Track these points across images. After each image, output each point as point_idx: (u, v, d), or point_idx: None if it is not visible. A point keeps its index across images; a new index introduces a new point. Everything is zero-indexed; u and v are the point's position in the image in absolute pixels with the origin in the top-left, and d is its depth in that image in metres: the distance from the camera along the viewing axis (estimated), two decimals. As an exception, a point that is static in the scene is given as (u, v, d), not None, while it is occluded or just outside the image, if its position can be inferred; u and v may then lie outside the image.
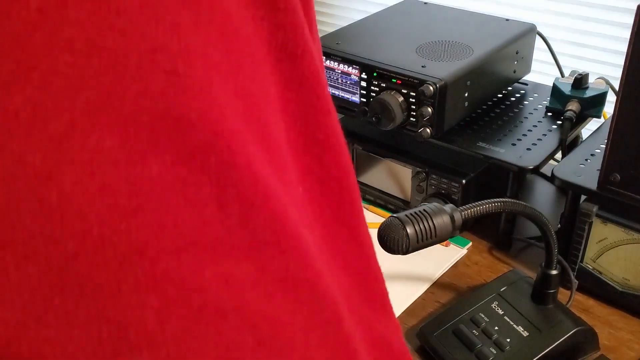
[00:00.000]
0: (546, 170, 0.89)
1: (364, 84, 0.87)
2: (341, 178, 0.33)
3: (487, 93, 0.93)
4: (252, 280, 0.24)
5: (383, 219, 0.63)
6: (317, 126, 0.30)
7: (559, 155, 0.88)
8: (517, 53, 0.94)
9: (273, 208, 0.25)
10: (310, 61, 0.28)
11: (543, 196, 1.02)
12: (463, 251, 0.89)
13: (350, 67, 0.88)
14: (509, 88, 1.00)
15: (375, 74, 0.85)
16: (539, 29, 0.97)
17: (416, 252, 0.62)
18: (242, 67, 0.25)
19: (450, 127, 0.86)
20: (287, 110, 0.28)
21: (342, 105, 0.92)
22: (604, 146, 0.71)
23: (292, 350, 0.26)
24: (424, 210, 0.62)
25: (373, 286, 0.38)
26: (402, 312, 0.79)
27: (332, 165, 0.32)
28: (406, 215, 0.61)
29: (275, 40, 0.26)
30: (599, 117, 0.90)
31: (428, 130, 0.83)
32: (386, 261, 0.79)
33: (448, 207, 0.63)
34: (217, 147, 0.22)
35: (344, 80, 0.90)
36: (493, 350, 0.68)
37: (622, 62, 0.65)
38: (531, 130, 0.89)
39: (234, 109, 0.24)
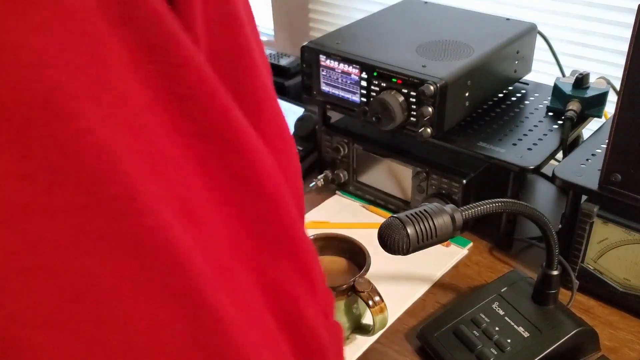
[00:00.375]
0: (547, 170, 0.89)
1: (364, 83, 0.87)
2: (218, 129, 0.34)
3: (488, 93, 0.92)
4: (67, 240, 0.27)
5: (383, 219, 0.63)
6: (176, 82, 0.32)
7: (559, 155, 0.88)
8: (517, 52, 0.94)
9: (95, 169, 0.27)
10: (157, 23, 0.30)
11: (544, 196, 1.01)
12: (464, 251, 0.89)
13: (351, 67, 0.88)
14: (510, 88, 1.00)
15: (375, 74, 0.85)
16: (539, 28, 0.97)
17: (417, 252, 0.61)
18: (69, 33, 0.27)
19: (450, 127, 0.86)
20: (139, 71, 0.30)
21: (342, 105, 0.92)
22: (605, 146, 0.71)
23: (116, 301, 0.29)
24: (425, 210, 0.62)
25: (277, 233, 0.40)
26: (403, 313, 0.79)
27: (204, 117, 0.34)
28: (407, 216, 0.61)
29: (106, 6, 0.28)
30: (599, 116, 0.90)
31: (428, 130, 0.83)
32: (386, 261, 0.79)
33: (449, 207, 0.63)
34: (33, 124, 0.25)
35: (344, 80, 0.89)
36: (494, 351, 0.68)
37: (623, 62, 0.65)
38: (532, 130, 0.89)
39: (59, 76, 0.26)
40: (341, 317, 0.71)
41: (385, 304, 0.68)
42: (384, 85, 0.85)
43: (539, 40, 0.98)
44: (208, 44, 0.36)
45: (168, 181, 0.31)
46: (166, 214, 0.31)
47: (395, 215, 0.62)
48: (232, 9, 0.39)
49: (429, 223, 0.61)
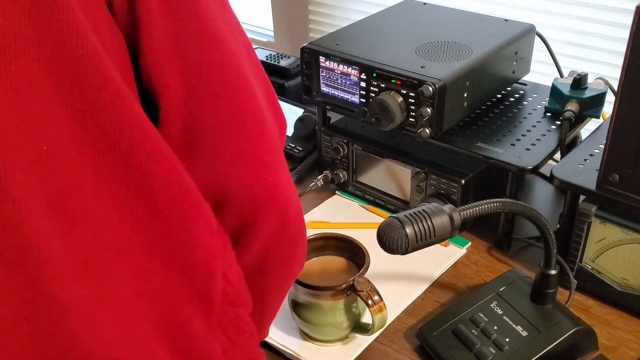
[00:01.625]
0: (545, 170, 0.89)
1: (363, 84, 0.88)
2: (112, 142, 0.38)
3: (486, 93, 0.93)
4: None
5: (382, 219, 0.64)
6: (76, 94, 0.36)
7: (558, 156, 0.88)
8: (516, 53, 0.94)
9: None
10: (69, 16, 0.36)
11: (542, 196, 1.02)
12: (462, 251, 0.89)
13: (350, 68, 0.88)
14: (508, 88, 1.01)
15: (374, 75, 0.86)
16: (537, 29, 0.97)
17: (415, 252, 0.62)
18: None
19: (449, 128, 0.86)
20: (43, 70, 0.35)
21: (341, 105, 0.92)
22: (603, 146, 0.71)
23: None
24: (423, 210, 0.62)
25: (171, 247, 0.42)
26: (402, 312, 0.79)
27: (100, 130, 0.38)
28: (405, 216, 0.61)
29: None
30: (597, 117, 0.90)
31: (427, 130, 0.83)
32: (386, 261, 0.79)
33: (447, 207, 0.63)
34: None
35: (343, 81, 0.90)
36: (492, 350, 0.68)
37: (621, 63, 0.65)
38: (530, 131, 0.89)
39: None
40: (340, 316, 0.72)
41: (384, 303, 0.69)
42: (383, 86, 0.85)
43: (537, 41, 0.98)
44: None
45: (47, 177, 0.36)
46: (28, 203, 0.35)
47: (394, 215, 0.62)
48: None
49: (427, 223, 0.61)
